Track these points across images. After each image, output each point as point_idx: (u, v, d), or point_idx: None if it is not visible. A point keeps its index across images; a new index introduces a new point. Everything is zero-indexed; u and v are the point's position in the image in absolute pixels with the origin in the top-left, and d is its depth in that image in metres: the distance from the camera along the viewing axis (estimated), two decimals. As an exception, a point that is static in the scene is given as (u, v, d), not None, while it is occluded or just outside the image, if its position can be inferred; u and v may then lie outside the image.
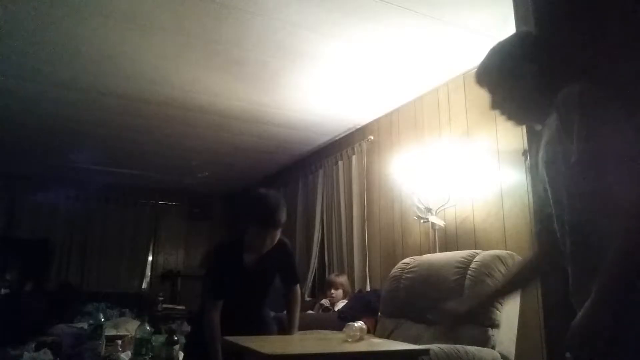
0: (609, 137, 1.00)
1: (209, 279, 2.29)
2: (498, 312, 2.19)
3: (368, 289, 3.68)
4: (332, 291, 3.68)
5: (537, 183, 1.27)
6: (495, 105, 1.32)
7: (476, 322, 2.15)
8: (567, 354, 1.03)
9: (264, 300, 2.35)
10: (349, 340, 1.76)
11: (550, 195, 1.16)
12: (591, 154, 1.00)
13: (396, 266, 2.95)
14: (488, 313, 2.16)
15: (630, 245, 0.93)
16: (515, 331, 2.23)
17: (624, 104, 1.07)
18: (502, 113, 1.32)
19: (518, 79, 1.23)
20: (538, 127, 1.26)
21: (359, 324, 1.85)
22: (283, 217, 2.16)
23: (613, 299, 0.95)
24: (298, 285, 2.41)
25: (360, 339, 1.79)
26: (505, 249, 2.55)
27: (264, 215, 2.13)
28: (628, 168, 0.97)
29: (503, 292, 1.56)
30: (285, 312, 2.40)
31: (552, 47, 1.26)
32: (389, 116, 3.92)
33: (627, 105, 1.08)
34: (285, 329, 2.32)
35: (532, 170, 1.34)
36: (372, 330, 2.97)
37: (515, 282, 1.45)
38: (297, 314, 2.32)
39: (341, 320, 3.16)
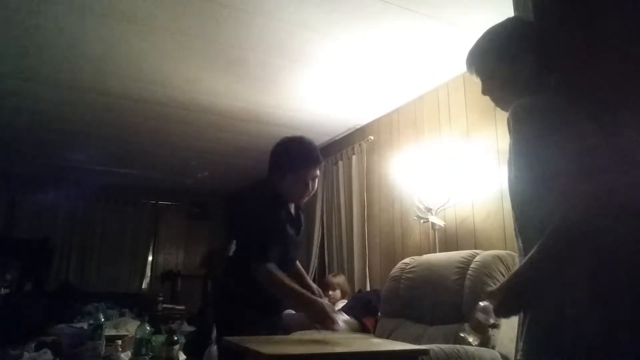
0: (542, 154, 1.04)
1: (257, 238, 1.82)
2: (498, 312, 2.19)
3: (368, 289, 3.68)
4: (330, 292, 3.67)
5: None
6: (486, 90, 1.30)
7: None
8: (478, 313, 1.17)
9: None
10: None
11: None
12: (524, 169, 1.08)
13: (396, 266, 2.95)
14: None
15: (563, 228, 0.99)
16: (516, 331, 2.23)
17: (595, 107, 1.10)
18: (492, 99, 1.30)
19: (509, 64, 1.22)
20: None
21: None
22: (320, 153, 1.94)
23: (535, 272, 1.05)
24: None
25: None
26: (505, 249, 2.55)
27: (301, 153, 1.89)
28: (559, 180, 1.00)
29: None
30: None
31: (544, 36, 1.24)
32: (389, 116, 3.92)
33: (603, 106, 1.10)
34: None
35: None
36: (372, 330, 2.97)
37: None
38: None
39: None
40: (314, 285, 2.01)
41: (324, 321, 1.68)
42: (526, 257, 1.05)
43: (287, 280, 1.76)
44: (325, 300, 1.75)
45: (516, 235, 1.18)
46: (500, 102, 1.29)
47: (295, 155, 1.90)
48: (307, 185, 1.90)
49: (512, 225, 1.22)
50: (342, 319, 1.82)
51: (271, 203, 1.94)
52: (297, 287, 1.75)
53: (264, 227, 1.85)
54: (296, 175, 1.88)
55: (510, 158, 1.16)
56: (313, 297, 1.75)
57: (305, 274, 2.19)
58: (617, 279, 0.97)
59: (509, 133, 1.15)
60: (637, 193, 1.01)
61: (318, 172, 1.94)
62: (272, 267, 1.76)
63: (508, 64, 1.23)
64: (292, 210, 2.00)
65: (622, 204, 1.00)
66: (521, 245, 1.15)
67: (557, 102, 1.12)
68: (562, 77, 1.24)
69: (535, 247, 1.02)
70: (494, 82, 1.28)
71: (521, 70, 1.21)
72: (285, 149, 1.95)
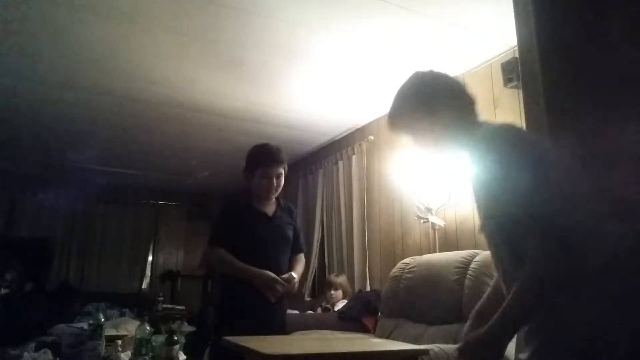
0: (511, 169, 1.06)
1: (212, 226, 2.35)
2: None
3: (368, 289, 3.68)
4: (332, 291, 3.67)
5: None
6: (419, 144, 1.32)
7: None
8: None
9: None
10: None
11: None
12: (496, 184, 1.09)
13: (396, 266, 2.95)
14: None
15: (535, 278, 1.00)
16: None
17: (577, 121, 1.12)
18: (429, 151, 1.34)
19: (428, 117, 1.26)
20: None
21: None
22: (283, 154, 2.26)
23: (513, 324, 1.05)
24: (303, 254, 2.42)
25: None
26: (505, 249, 2.54)
27: (262, 152, 2.26)
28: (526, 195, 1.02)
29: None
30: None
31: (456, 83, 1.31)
32: (389, 116, 3.91)
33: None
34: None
35: None
36: (372, 330, 2.97)
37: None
38: (299, 270, 2.31)
39: (341, 320, 3.17)
40: (288, 275, 2.19)
41: (270, 288, 2.08)
42: (498, 313, 1.06)
43: (235, 261, 2.11)
44: (268, 272, 2.10)
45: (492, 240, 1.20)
46: (437, 151, 1.33)
47: (259, 156, 2.27)
48: (272, 180, 2.23)
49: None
50: (295, 281, 2.18)
51: (232, 202, 2.40)
52: (242, 264, 2.10)
53: (216, 220, 2.33)
54: (261, 172, 2.23)
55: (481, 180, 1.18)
56: (257, 269, 2.08)
57: (295, 266, 2.31)
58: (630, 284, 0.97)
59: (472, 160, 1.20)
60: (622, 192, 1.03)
61: (282, 171, 2.27)
62: (220, 250, 2.16)
63: (427, 117, 1.26)
64: (267, 208, 2.31)
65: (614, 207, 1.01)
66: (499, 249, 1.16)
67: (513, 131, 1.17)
68: (561, 76, 1.24)
69: (504, 305, 1.04)
70: (422, 137, 1.31)
71: (442, 116, 1.25)
72: (252, 151, 2.33)
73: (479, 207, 1.21)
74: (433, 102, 1.26)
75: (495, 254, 1.18)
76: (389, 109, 1.34)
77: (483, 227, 1.19)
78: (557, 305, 1.01)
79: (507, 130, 1.17)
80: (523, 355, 1.07)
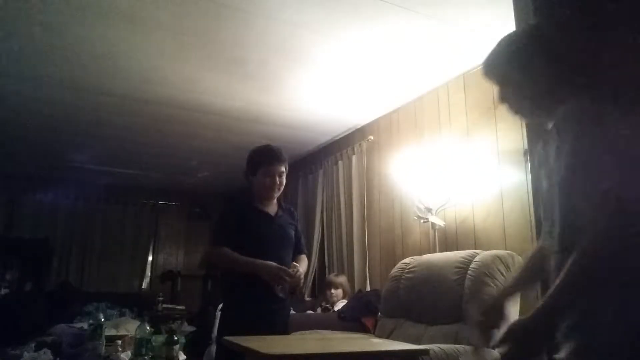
0: (595, 154, 1.01)
1: (214, 226, 2.36)
2: (498, 312, 2.19)
3: (368, 289, 3.68)
4: (332, 291, 3.68)
5: (539, 179, 1.24)
6: (504, 99, 1.26)
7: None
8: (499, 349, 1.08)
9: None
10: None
11: (545, 193, 1.17)
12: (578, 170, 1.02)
13: (396, 266, 2.96)
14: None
15: (588, 258, 0.96)
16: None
17: (622, 108, 1.08)
18: (510, 108, 1.26)
19: (529, 74, 1.18)
20: (548, 126, 1.19)
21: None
22: (284, 154, 2.30)
23: (561, 308, 1.01)
24: (305, 256, 2.43)
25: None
26: (505, 249, 2.55)
27: (264, 152, 2.30)
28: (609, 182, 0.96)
29: (513, 288, 1.38)
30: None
31: (566, 44, 1.22)
32: (389, 116, 3.92)
33: (624, 108, 1.08)
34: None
35: (534, 167, 1.32)
36: (372, 330, 2.98)
37: (523, 276, 1.34)
38: (304, 267, 2.31)
39: (341, 320, 3.17)
40: (293, 266, 2.20)
41: (277, 278, 2.08)
42: (546, 295, 1.02)
43: (240, 256, 2.11)
44: (274, 263, 2.09)
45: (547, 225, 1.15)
46: (515, 110, 1.25)
47: (262, 155, 2.30)
48: (275, 178, 2.25)
49: (537, 221, 1.19)
50: (301, 272, 2.20)
51: (234, 202, 2.43)
52: (247, 258, 2.10)
53: (218, 220, 2.35)
54: (264, 170, 2.25)
55: (558, 159, 1.10)
56: (262, 261, 2.08)
57: (300, 264, 2.30)
58: None
59: (558, 134, 1.11)
60: None
61: (284, 170, 2.29)
62: (224, 248, 2.15)
63: (519, 72, 1.19)
64: (269, 208, 2.32)
65: None
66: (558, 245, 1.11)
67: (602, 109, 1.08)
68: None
69: (554, 286, 1.00)
70: (507, 90, 1.24)
71: (533, 78, 1.17)
72: (253, 152, 2.35)
73: (548, 180, 1.15)
74: (533, 66, 1.17)
75: (549, 232, 1.14)
76: (489, 52, 1.26)
77: (545, 200, 1.15)
78: (598, 304, 0.98)
79: (595, 112, 1.07)
80: (560, 355, 1.03)
